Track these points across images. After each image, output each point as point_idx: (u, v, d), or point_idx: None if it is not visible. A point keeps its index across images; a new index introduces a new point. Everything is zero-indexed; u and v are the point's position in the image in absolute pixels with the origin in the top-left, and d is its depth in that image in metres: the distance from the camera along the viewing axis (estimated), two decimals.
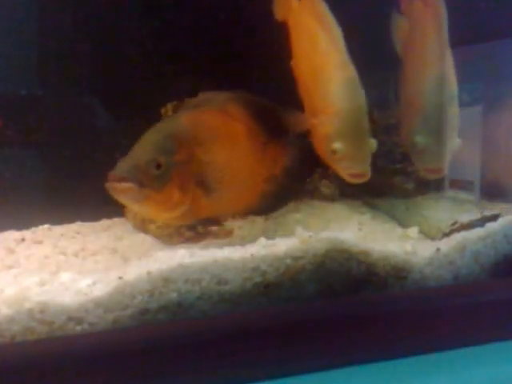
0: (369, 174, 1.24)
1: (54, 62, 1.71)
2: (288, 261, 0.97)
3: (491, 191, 1.68)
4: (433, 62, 1.36)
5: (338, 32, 1.32)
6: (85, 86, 1.76)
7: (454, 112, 1.33)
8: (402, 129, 1.44)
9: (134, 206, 1.18)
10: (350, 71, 1.28)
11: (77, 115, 1.76)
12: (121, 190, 1.09)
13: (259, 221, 1.53)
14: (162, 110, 1.66)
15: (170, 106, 1.65)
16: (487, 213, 1.24)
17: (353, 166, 1.24)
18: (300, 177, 1.61)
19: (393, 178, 1.83)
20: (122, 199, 1.13)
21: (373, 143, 1.24)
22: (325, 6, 1.34)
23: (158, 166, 1.13)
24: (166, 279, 0.91)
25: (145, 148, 1.16)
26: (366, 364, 0.96)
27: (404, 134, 1.42)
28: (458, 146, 1.32)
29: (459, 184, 1.73)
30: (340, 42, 1.31)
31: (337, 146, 1.22)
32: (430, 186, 1.83)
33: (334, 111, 1.25)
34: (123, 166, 1.11)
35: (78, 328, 0.85)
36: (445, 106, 1.32)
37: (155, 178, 1.12)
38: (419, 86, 1.36)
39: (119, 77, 1.76)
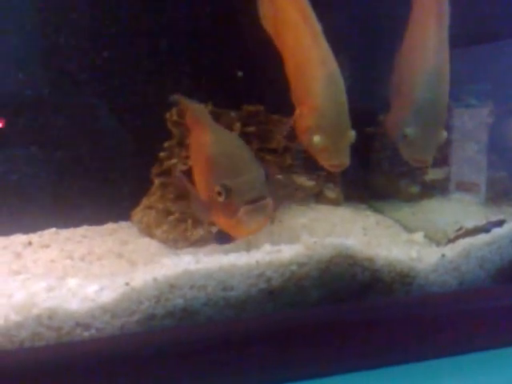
0: (346, 164, 1.29)
1: (57, 62, 1.72)
2: (293, 267, 0.97)
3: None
4: (431, 54, 1.37)
5: (318, 26, 1.34)
6: (94, 90, 1.77)
7: (444, 104, 1.34)
8: (391, 117, 1.46)
9: (258, 224, 1.13)
10: (332, 66, 1.31)
11: (83, 118, 1.77)
12: (264, 207, 1.09)
13: None
14: (167, 115, 1.67)
15: (174, 111, 1.66)
16: (493, 218, 1.24)
17: (331, 158, 1.29)
18: None
19: (398, 181, 1.84)
20: (260, 218, 1.11)
21: (351, 135, 1.28)
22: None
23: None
24: (172, 285, 0.91)
25: (251, 165, 1.16)
26: (369, 370, 0.96)
27: (392, 123, 1.44)
28: (444, 139, 1.34)
29: (465, 186, 1.73)
30: (321, 36, 1.33)
31: (317, 139, 1.27)
32: (436, 189, 1.83)
33: (314, 105, 1.29)
34: (253, 185, 1.10)
35: (86, 334, 0.86)
36: (438, 99, 1.34)
37: (270, 192, 1.14)
38: (414, 78, 1.38)
39: (126, 80, 1.77)
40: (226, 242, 1.46)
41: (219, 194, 1.10)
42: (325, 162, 1.30)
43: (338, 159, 1.28)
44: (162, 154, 1.68)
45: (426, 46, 1.38)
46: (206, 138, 1.29)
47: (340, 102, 1.28)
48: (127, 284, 0.91)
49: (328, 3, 1.44)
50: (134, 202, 1.73)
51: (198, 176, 1.31)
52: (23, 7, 1.65)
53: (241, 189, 1.09)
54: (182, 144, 1.65)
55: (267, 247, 1.02)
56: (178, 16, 1.78)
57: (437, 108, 1.33)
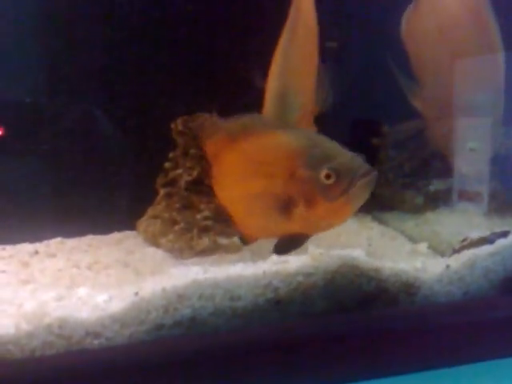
0: None
1: (57, 69, 1.73)
2: (299, 277, 0.98)
3: None
4: (486, 69, 1.37)
5: (307, 35, 1.38)
6: (100, 99, 1.79)
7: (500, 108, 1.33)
8: (438, 129, 1.46)
9: (363, 200, 1.12)
10: (292, 82, 1.35)
11: (88, 128, 1.79)
12: (374, 178, 1.07)
13: None
14: (172, 125, 1.69)
15: (180, 121, 1.67)
16: (497, 229, 1.25)
17: None
18: None
19: (402, 192, 1.85)
20: (367, 193, 1.10)
21: None
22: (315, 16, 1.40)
23: None
24: (181, 295, 0.92)
25: (341, 147, 1.13)
26: (374, 380, 0.97)
27: (445, 137, 1.44)
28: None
29: (468, 195, 1.74)
30: (300, 47, 1.37)
31: None
32: (440, 201, 1.84)
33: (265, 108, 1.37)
34: (359, 160, 1.09)
35: (96, 342, 0.86)
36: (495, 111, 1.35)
37: None
38: (473, 96, 1.38)
39: (133, 90, 1.79)
40: (289, 251, 1.30)
41: (328, 176, 1.08)
42: None
43: None
44: (166, 164, 1.69)
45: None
46: (281, 138, 1.23)
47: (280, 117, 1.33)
48: (136, 294, 0.92)
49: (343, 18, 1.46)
50: (139, 211, 1.74)
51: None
52: (20, 13, 1.66)
53: (350, 166, 1.08)
54: (187, 154, 1.66)
55: (274, 258, 1.04)
56: (183, 24, 1.80)
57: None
